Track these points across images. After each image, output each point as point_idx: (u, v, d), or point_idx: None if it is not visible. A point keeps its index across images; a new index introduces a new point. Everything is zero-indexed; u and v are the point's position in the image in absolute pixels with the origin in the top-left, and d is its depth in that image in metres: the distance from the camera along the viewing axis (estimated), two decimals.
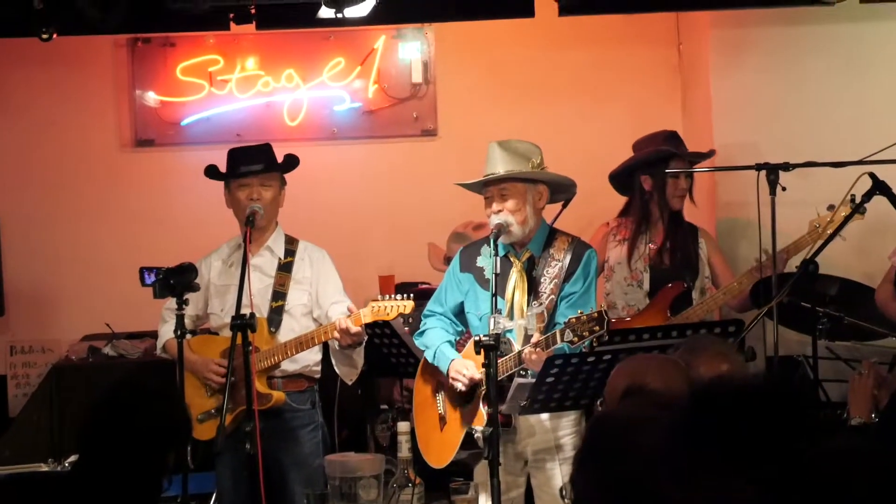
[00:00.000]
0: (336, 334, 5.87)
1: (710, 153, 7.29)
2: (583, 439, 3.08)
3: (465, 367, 5.69)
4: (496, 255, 5.51)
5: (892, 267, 6.34)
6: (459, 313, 5.99)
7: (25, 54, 8.42)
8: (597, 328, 5.22)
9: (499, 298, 5.47)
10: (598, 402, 4.95)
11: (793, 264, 6.60)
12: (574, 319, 5.27)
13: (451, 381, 5.75)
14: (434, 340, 5.92)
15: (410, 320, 6.58)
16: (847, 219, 6.30)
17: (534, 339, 5.43)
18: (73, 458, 6.11)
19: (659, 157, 7.01)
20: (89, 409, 4.18)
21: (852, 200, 6.28)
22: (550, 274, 5.75)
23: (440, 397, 5.95)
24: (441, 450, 5.89)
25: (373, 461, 4.67)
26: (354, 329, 5.82)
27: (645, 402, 3.13)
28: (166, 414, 4.17)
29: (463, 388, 5.71)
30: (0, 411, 6.84)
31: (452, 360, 5.77)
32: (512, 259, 5.78)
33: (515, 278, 5.75)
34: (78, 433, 4.14)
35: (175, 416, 4.21)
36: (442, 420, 5.92)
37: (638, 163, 7.08)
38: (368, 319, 5.82)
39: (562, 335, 5.30)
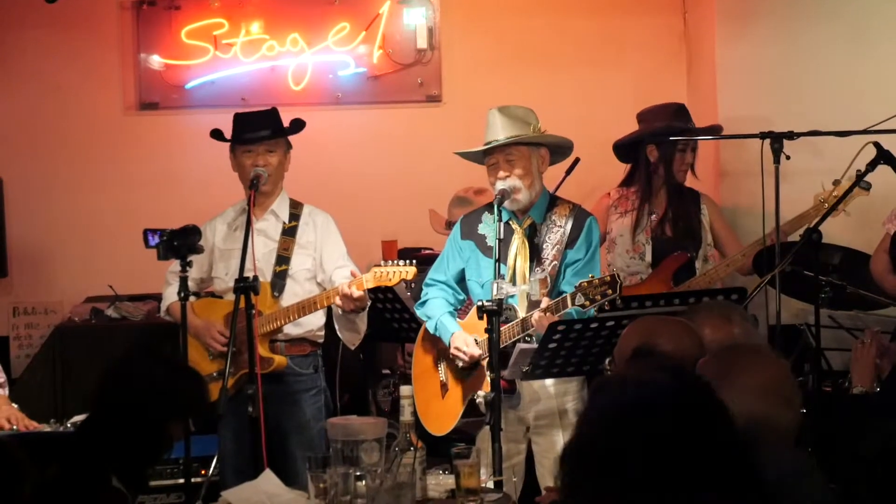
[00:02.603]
0: (338, 299, 5.88)
1: (717, 129, 7.28)
2: (587, 402, 3.07)
3: (466, 343, 5.70)
4: (500, 220, 5.51)
5: (886, 235, 6.34)
6: (461, 281, 5.99)
7: (31, 16, 8.42)
8: (609, 291, 5.22)
9: (501, 265, 5.48)
10: (607, 362, 4.93)
11: (797, 232, 6.60)
12: (585, 283, 5.27)
13: (452, 355, 5.77)
14: (435, 311, 5.93)
15: (413, 285, 6.59)
16: (849, 190, 6.30)
17: (543, 304, 5.43)
18: (75, 418, 6.16)
19: (670, 132, 6.99)
20: (107, 370, 4.24)
21: (857, 176, 6.27)
22: (552, 240, 5.76)
23: (442, 365, 5.96)
24: (442, 417, 5.90)
25: (375, 425, 4.67)
26: (357, 294, 5.83)
27: (654, 364, 3.12)
28: (181, 386, 4.23)
29: (463, 365, 5.74)
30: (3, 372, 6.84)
31: (454, 332, 5.79)
32: (514, 226, 5.78)
33: (517, 245, 5.76)
34: (94, 391, 4.19)
35: (188, 389, 4.26)
36: (443, 387, 5.92)
37: (647, 135, 7.06)
38: (371, 285, 5.83)
39: (573, 299, 5.30)
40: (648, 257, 6.94)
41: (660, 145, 6.96)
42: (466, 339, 5.72)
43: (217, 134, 6.30)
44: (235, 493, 4.70)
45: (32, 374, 7.77)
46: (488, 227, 5.86)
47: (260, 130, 6.19)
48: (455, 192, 7.40)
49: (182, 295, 5.59)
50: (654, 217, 6.99)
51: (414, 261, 5.83)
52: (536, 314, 5.44)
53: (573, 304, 5.31)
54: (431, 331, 5.93)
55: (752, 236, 6.91)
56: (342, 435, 4.60)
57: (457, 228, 6.06)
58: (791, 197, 6.55)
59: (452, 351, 5.75)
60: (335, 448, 4.59)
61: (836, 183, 6.57)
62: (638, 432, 2.54)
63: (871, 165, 6.07)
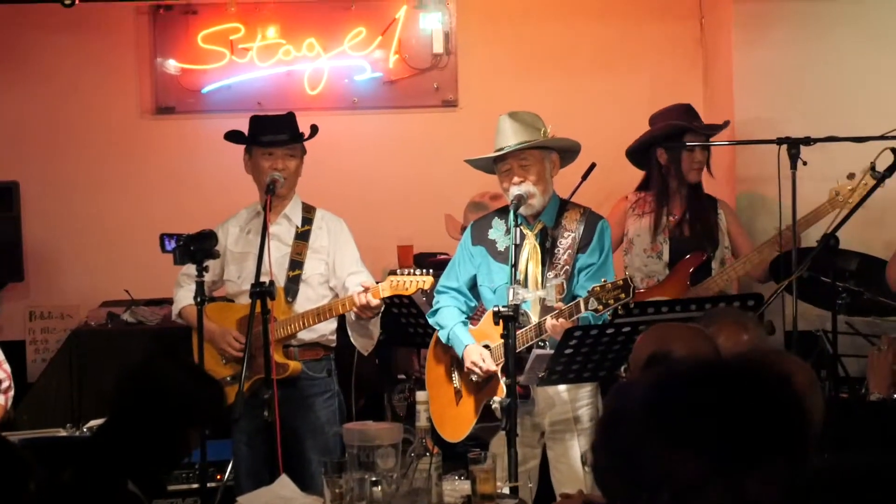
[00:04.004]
0: (355, 308, 5.87)
1: (725, 125, 7.27)
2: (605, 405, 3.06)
3: (482, 359, 5.69)
4: (516, 225, 5.52)
5: None
6: (473, 287, 5.98)
7: (48, 21, 8.43)
8: (622, 295, 5.20)
9: (515, 270, 5.48)
10: (622, 369, 4.90)
11: (812, 237, 6.59)
12: (598, 288, 5.25)
13: (467, 369, 5.76)
14: (448, 321, 5.91)
15: (428, 291, 6.58)
16: (871, 191, 6.28)
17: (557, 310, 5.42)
18: (91, 422, 6.17)
19: (672, 131, 7.00)
20: (126, 373, 4.25)
21: (872, 168, 6.26)
22: (564, 245, 5.75)
23: (455, 371, 5.95)
24: (457, 424, 5.89)
25: (391, 430, 4.67)
26: (374, 303, 5.82)
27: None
28: (202, 393, 4.23)
29: (477, 380, 5.74)
30: (19, 376, 6.82)
31: (467, 345, 5.77)
32: (525, 230, 5.76)
33: (529, 249, 5.74)
34: (113, 395, 4.20)
35: (209, 396, 4.27)
36: (458, 394, 5.91)
37: (652, 138, 7.07)
38: (387, 294, 5.82)
39: (586, 304, 5.29)
40: (666, 257, 6.94)
41: (667, 147, 6.97)
42: (481, 352, 5.71)
43: (235, 134, 6.30)
44: (251, 499, 4.71)
45: (48, 379, 7.79)
46: (498, 233, 5.86)
47: (280, 134, 6.18)
48: (471, 198, 7.39)
49: (198, 300, 5.60)
50: (671, 218, 6.99)
51: (431, 270, 5.81)
52: (550, 319, 5.43)
53: (586, 308, 5.29)
54: (444, 341, 5.92)
55: (768, 238, 6.90)
56: (358, 440, 4.60)
57: (467, 234, 6.05)
58: (807, 200, 6.54)
59: (468, 366, 5.74)
60: (351, 453, 4.59)
61: (851, 176, 6.56)
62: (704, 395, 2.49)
63: (889, 171, 6.07)
